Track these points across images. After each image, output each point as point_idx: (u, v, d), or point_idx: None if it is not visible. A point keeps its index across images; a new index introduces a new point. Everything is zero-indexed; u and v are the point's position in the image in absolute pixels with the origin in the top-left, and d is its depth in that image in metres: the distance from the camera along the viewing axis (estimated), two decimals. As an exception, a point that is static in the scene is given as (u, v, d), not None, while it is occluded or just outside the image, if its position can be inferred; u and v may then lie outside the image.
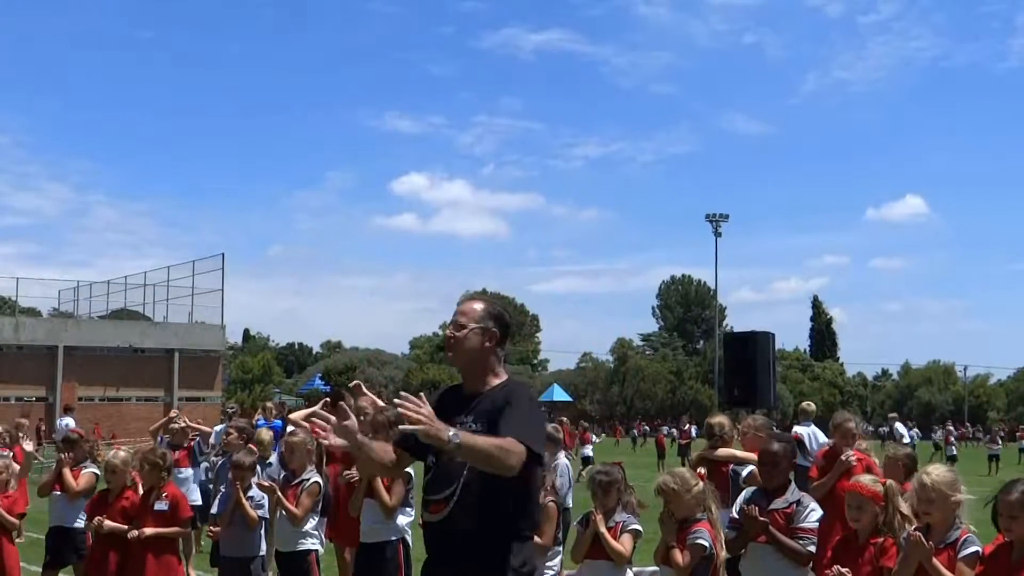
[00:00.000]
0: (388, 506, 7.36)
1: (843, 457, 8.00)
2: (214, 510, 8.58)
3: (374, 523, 7.46)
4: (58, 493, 9.03)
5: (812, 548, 5.84)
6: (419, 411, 3.85)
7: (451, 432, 3.88)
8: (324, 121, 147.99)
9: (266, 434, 10.46)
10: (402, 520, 7.59)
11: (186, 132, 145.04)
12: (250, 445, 9.52)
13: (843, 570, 5.25)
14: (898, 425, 31.04)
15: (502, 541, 4.19)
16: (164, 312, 55.20)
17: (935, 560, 4.91)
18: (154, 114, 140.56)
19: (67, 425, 19.22)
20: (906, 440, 27.44)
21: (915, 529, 5.07)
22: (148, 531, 7.58)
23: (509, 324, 4.50)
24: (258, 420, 17.62)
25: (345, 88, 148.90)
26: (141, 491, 8.01)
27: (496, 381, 4.35)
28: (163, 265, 56.22)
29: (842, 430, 8.38)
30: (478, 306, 4.45)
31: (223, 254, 53.47)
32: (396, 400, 3.96)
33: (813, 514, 5.97)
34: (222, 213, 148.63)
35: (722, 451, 8.01)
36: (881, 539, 5.35)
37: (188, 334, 54.00)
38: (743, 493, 6.34)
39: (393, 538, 7.47)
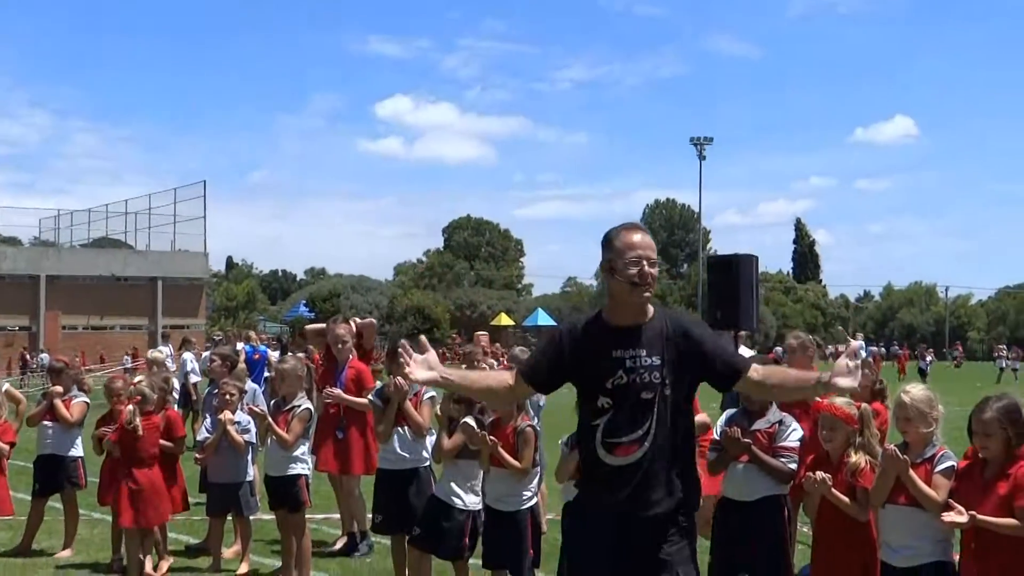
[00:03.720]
0: (422, 429, 7.57)
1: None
2: (200, 436, 8.65)
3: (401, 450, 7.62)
4: (48, 423, 9.08)
5: (794, 466, 5.93)
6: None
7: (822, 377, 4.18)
8: (308, 44, 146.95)
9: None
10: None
11: (167, 56, 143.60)
12: (237, 371, 9.56)
13: (824, 475, 5.35)
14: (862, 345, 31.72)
15: (694, 474, 4.35)
16: (146, 240, 55.10)
17: (912, 473, 5.01)
18: (135, 39, 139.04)
19: (191, 361, 18.27)
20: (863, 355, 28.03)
21: (893, 445, 5.16)
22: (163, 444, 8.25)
23: None
24: (245, 347, 17.72)
25: (329, 10, 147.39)
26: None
27: (651, 311, 4.33)
28: (144, 193, 55.93)
29: (788, 349, 8.48)
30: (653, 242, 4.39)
31: (204, 181, 53.36)
32: None
33: (795, 433, 6.05)
34: (204, 138, 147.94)
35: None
36: (853, 458, 5.44)
37: (171, 262, 53.89)
38: (724, 415, 6.41)
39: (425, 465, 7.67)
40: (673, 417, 4.24)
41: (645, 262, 4.22)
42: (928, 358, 48.21)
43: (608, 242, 4.33)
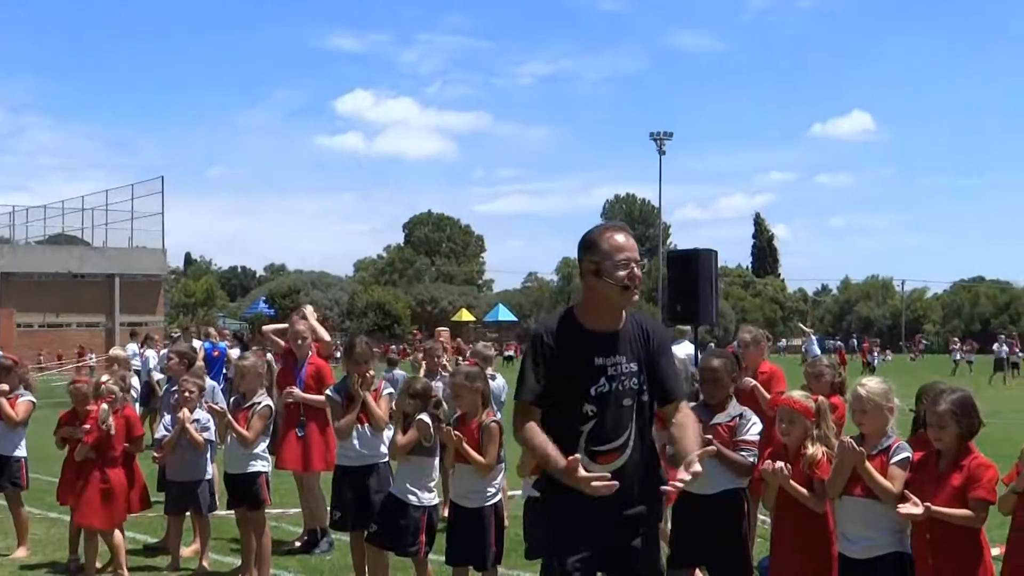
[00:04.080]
0: (380, 424, 7.56)
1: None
2: (159, 434, 8.58)
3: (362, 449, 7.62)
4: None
5: (754, 459, 5.97)
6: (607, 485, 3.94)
7: (695, 470, 4.02)
8: (266, 40, 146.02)
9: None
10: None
11: (125, 52, 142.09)
12: (196, 368, 9.49)
13: (783, 465, 5.39)
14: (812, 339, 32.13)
15: (660, 474, 4.45)
16: (103, 237, 54.44)
17: (868, 464, 5.07)
18: (92, 34, 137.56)
19: (153, 359, 18.00)
20: (815, 351, 28.30)
21: (849, 437, 5.22)
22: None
23: None
24: (204, 344, 17.62)
25: (288, 6, 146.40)
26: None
27: (623, 314, 4.33)
28: (101, 189, 55.25)
29: (741, 343, 8.51)
30: None
31: (162, 177, 52.73)
32: (595, 485, 3.95)
33: (755, 427, 6.09)
34: (162, 134, 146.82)
35: None
36: (811, 450, 5.49)
37: (128, 259, 53.33)
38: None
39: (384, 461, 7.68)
40: (649, 421, 4.31)
41: (634, 264, 4.20)
42: (877, 353, 48.86)
43: (592, 244, 4.26)
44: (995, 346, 42.90)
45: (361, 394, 7.47)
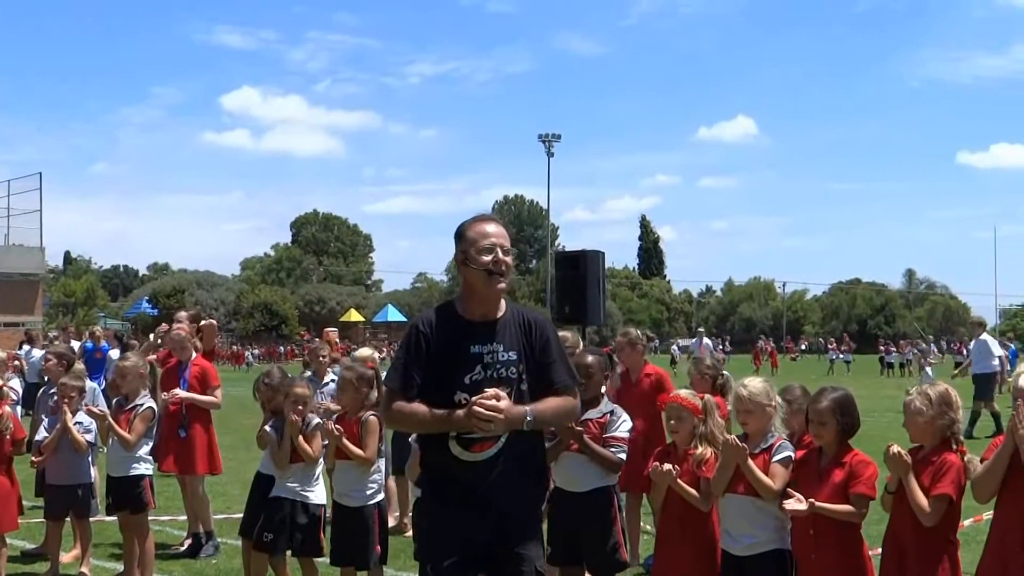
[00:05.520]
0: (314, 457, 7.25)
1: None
2: (38, 437, 8.36)
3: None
4: None
5: (623, 456, 6.04)
6: (495, 414, 4.02)
7: (527, 417, 4.15)
8: (150, 34, 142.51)
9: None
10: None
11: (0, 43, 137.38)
12: (76, 370, 9.26)
13: (671, 467, 5.49)
14: (706, 341, 32.76)
15: (542, 470, 4.57)
16: (-23, 234, 52.68)
17: (750, 462, 5.20)
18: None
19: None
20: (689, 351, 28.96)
21: (733, 435, 5.34)
22: None
23: None
24: (85, 344, 17.22)
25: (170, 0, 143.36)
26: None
27: (504, 305, 4.35)
28: (-26, 185, 53.42)
29: (617, 346, 8.55)
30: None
31: (40, 173, 51.17)
32: (474, 409, 4.02)
33: (625, 424, 6.14)
34: (41, 129, 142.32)
35: None
36: (699, 449, 5.61)
37: (5, 257, 51.71)
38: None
39: None
40: None
41: (499, 250, 4.25)
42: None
43: (461, 234, 4.33)
44: (920, 347, 43.78)
45: (292, 439, 6.94)
